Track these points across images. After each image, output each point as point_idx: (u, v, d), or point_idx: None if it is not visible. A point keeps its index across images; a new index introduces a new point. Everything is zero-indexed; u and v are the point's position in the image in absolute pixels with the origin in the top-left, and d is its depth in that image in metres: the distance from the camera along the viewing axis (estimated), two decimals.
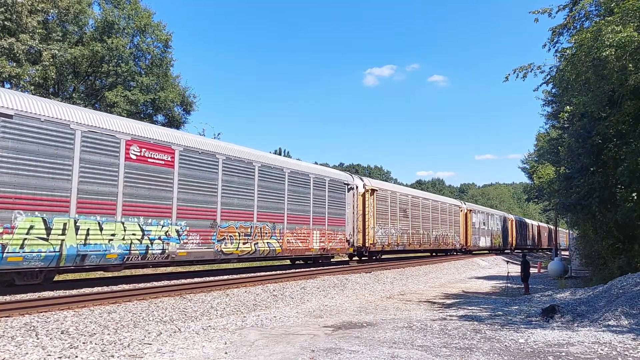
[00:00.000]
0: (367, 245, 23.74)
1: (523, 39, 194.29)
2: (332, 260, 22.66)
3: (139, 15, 30.34)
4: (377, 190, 24.98)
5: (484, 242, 42.68)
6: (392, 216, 26.68)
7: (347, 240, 21.86)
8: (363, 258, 25.74)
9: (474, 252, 41.37)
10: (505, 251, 50.05)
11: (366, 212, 23.85)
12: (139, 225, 12.44)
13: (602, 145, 17.10)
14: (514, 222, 53.09)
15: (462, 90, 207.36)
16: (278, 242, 17.35)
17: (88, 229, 11.23)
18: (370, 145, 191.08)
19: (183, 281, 13.77)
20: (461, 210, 38.09)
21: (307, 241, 19.05)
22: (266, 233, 16.78)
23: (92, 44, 28.51)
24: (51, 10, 24.87)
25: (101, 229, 11.53)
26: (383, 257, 28.00)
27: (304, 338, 8.12)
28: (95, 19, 29.93)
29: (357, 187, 23.13)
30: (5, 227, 9.75)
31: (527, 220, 63.22)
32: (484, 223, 42.79)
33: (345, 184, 22.13)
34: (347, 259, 26.00)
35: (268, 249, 16.85)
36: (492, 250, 46.36)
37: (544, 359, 6.62)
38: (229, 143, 16.64)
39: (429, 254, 35.03)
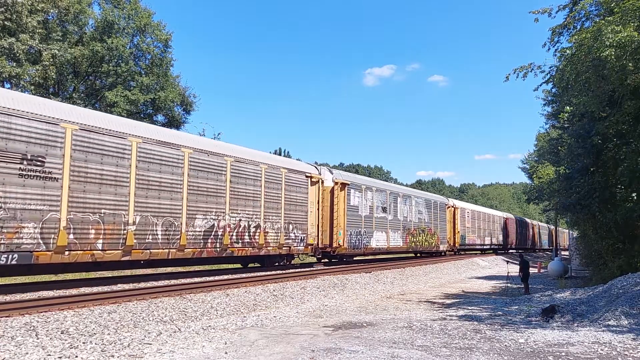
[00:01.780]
0: None
1: (523, 39, 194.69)
2: None
3: (138, 15, 30.38)
4: None
5: (385, 239, 25.05)
6: None
7: None
8: None
9: (356, 259, 24.89)
10: (441, 253, 33.10)
11: None
12: None
13: (602, 145, 17.11)
14: (457, 211, 35.30)
15: (462, 90, 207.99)
16: None
17: None
18: (370, 145, 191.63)
19: (183, 281, 13.77)
20: (315, 183, 20.05)
21: None
22: None
23: (92, 43, 28.55)
24: (51, 10, 24.92)
25: None
26: None
27: (304, 338, 8.12)
28: (95, 18, 30.00)
29: None
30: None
31: (485, 210, 44.74)
32: (383, 209, 25.08)
33: None
34: None
35: None
36: (416, 253, 30.65)
37: (544, 359, 6.63)
38: None
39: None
